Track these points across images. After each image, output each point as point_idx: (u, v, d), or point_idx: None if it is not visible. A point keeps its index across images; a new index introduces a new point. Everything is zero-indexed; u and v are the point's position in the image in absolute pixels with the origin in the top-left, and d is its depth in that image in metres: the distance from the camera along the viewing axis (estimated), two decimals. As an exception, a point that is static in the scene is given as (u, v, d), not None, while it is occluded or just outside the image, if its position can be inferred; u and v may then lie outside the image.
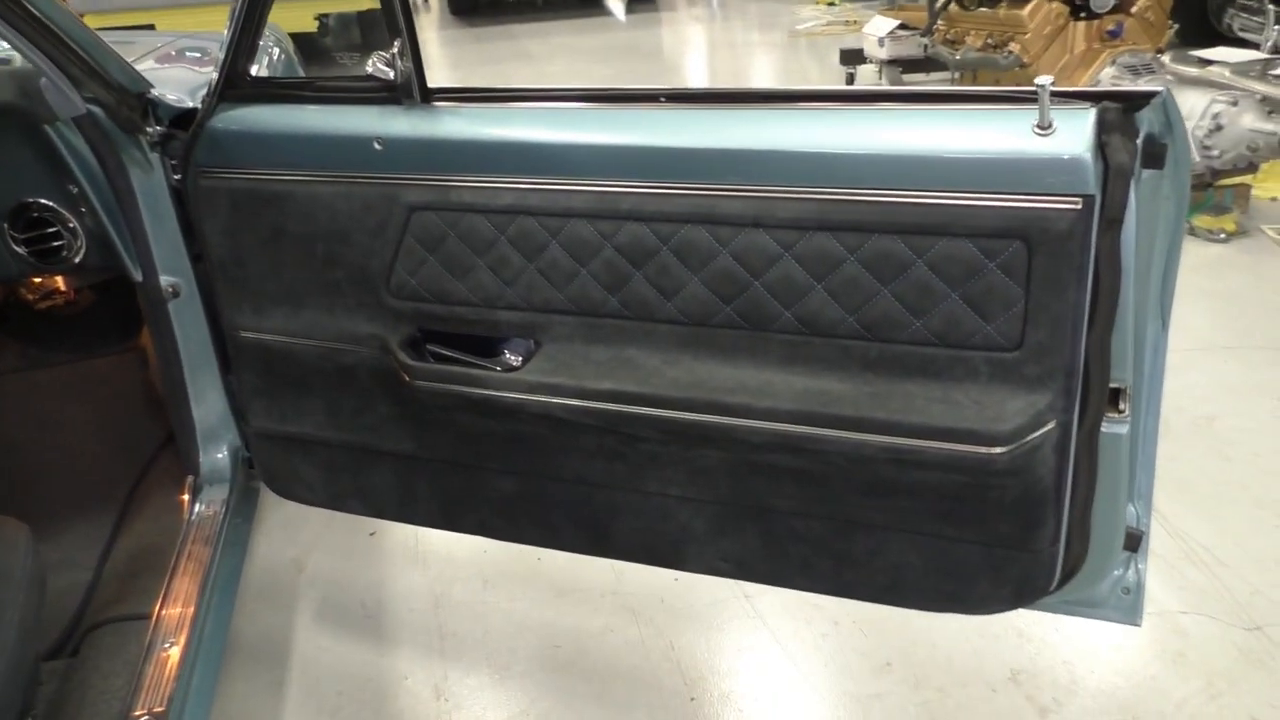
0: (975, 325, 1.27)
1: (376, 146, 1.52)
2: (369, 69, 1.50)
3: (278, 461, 1.90)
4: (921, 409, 1.30)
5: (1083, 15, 4.48)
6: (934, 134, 1.26)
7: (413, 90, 1.50)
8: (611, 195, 1.41)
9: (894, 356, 1.33)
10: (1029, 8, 4.43)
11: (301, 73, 3.17)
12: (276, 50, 3.01)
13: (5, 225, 1.80)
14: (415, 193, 1.52)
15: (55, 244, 1.82)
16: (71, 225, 1.82)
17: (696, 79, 7.84)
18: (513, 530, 1.74)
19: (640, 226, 1.40)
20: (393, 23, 1.44)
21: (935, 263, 1.27)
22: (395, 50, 1.47)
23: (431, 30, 10.48)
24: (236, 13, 1.53)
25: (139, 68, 1.74)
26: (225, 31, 1.56)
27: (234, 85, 1.62)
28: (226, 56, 1.58)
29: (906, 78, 5.94)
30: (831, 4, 10.01)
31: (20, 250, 1.82)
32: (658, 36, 9.52)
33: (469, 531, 1.78)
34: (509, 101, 1.50)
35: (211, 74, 1.63)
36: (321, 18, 8.33)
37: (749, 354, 1.41)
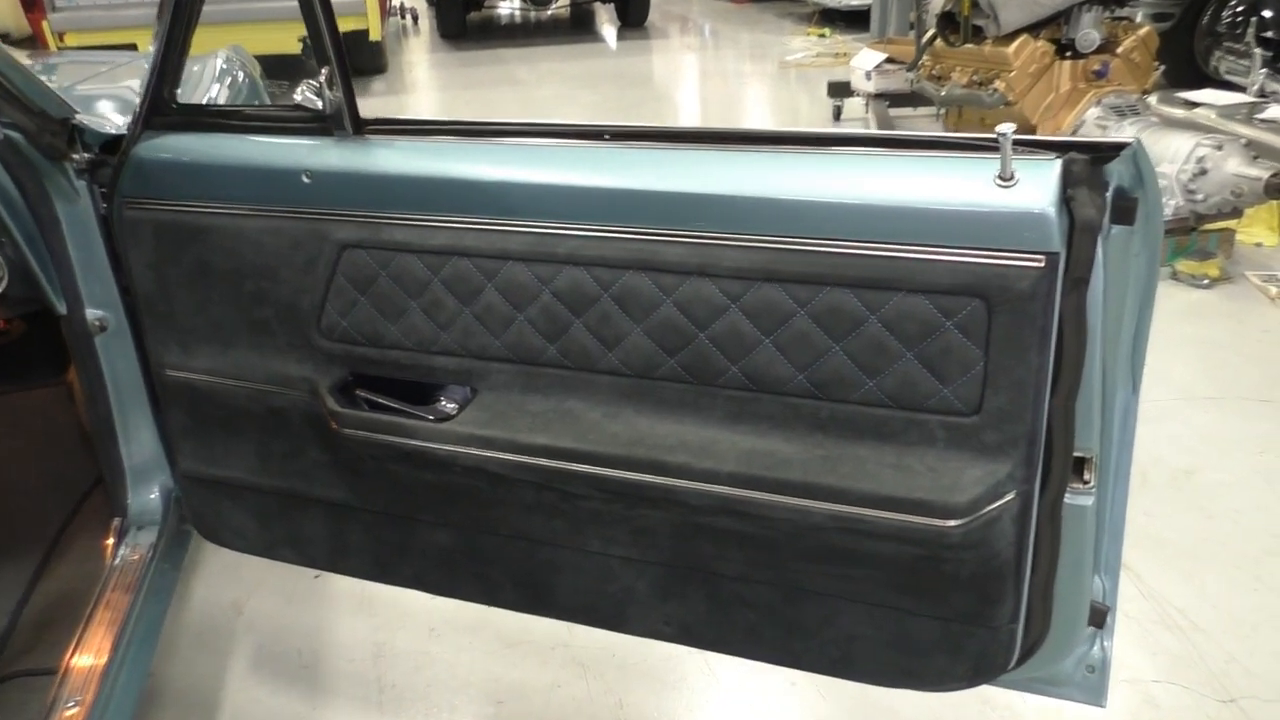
0: (932, 387, 1.19)
1: (305, 180, 1.44)
2: (297, 97, 1.42)
3: (207, 506, 1.80)
4: (873, 475, 1.21)
5: (1068, 55, 4.44)
6: (891, 182, 1.18)
7: (344, 121, 1.42)
8: (549, 238, 1.33)
9: (845, 417, 1.25)
10: (1014, 45, 4.38)
11: (267, 99, 3.09)
12: (241, 74, 2.93)
13: None
14: (346, 229, 1.44)
15: None
16: None
17: (684, 107, 7.81)
18: (449, 585, 1.64)
19: (580, 271, 1.32)
20: (320, 49, 1.36)
21: (890, 320, 1.18)
22: (323, 78, 1.38)
23: (421, 53, 10.45)
24: (160, 34, 1.45)
25: (106, 87, 1.65)
26: (149, 53, 1.48)
27: (159, 111, 1.53)
28: (150, 80, 1.50)
29: (893, 112, 5.90)
30: (822, 35, 10.01)
31: None
32: (648, 64, 9.49)
33: (403, 585, 1.68)
34: (445, 135, 1.42)
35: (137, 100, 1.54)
36: (305, 40, 8.29)
37: (693, 410, 1.33)
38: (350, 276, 1.45)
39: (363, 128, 1.43)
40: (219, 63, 2.89)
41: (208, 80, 2.73)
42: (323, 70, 1.38)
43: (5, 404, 2.20)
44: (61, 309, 1.70)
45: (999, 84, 4.45)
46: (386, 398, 1.49)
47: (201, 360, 1.64)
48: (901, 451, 1.22)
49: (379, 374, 1.51)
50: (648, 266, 1.28)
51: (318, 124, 1.44)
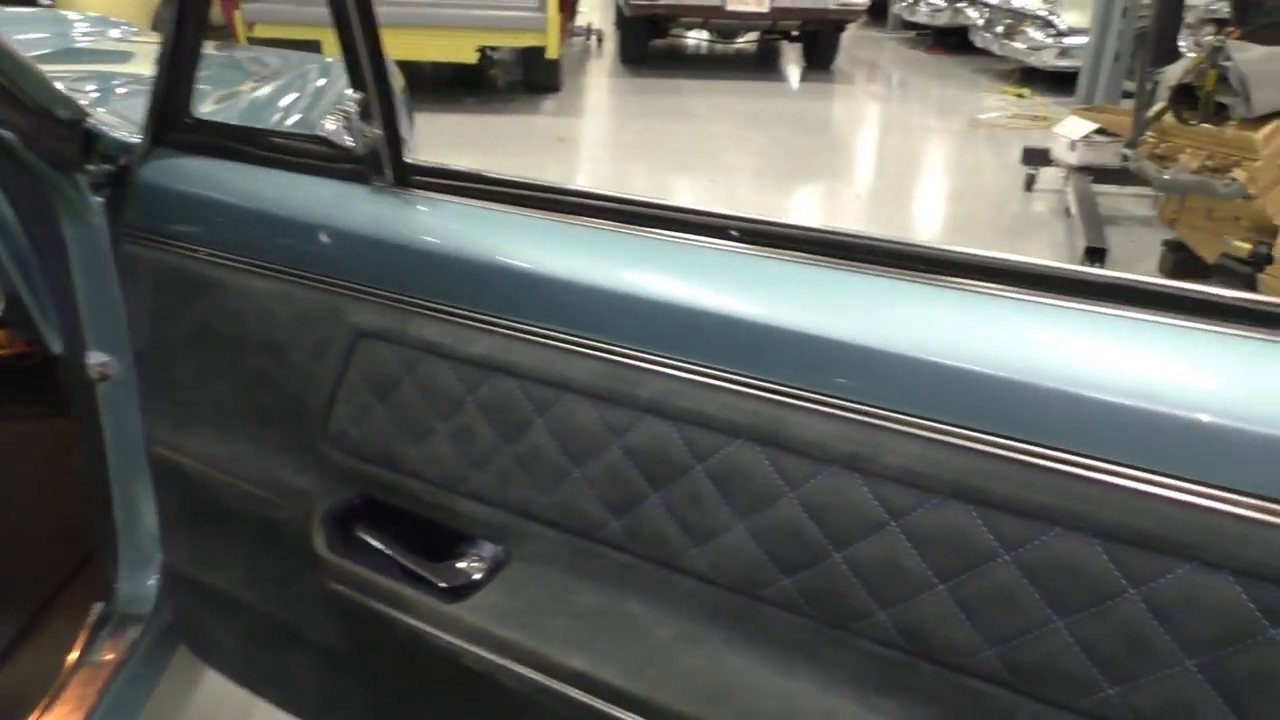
0: None
1: (323, 238, 1.06)
2: (324, 128, 1.04)
3: (193, 612, 1.45)
4: None
5: (1332, 147, 3.72)
6: (1182, 370, 0.70)
7: (382, 166, 1.03)
8: (630, 371, 0.90)
9: None
10: (1265, 131, 3.70)
11: (408, 121, 2.75)
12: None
13: None
14: (365, 312, 1.05)
15: None
16: None
17: (858, 159, 7.28)
18: None
19: (666, 427, 0.89)
20: (355, 68, 0.98)
21: (1163, 602, 0.70)
22: (355, 107, 1.00)
23: (599, 76, 10.27)
24: (169, 33, 1.10)
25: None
26: (157, 55, 1.14)
27: (170, 125, 1.19)
28: (159, 87, 1.16)
29: (1097, 188, 5.24)
30: (1020, 95, 9.29)
31: None
32: (828, 109, 9.00)
33: (404, 772, 1.28)
34: (515, 203, 1.01)
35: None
36: (486, 50, 8.18)
37: (810, 658, 0.87)
38: (366, 374, 1.07)
39: (407, 178, 1.04)
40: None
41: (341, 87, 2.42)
42: (355, 94, 0.99)
43: (13, 433, 1.92)
44: (56, 348, 1.38)
45: (1239, 173, 3.77)
46: (392, 544, 1.09)
47: (195, 442, 1.29)
48: None
49: (393, 503, 1.12)
50: (769, 440, 0.84)
51: (350, 166, 1.06)
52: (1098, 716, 0.74)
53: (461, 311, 0.99)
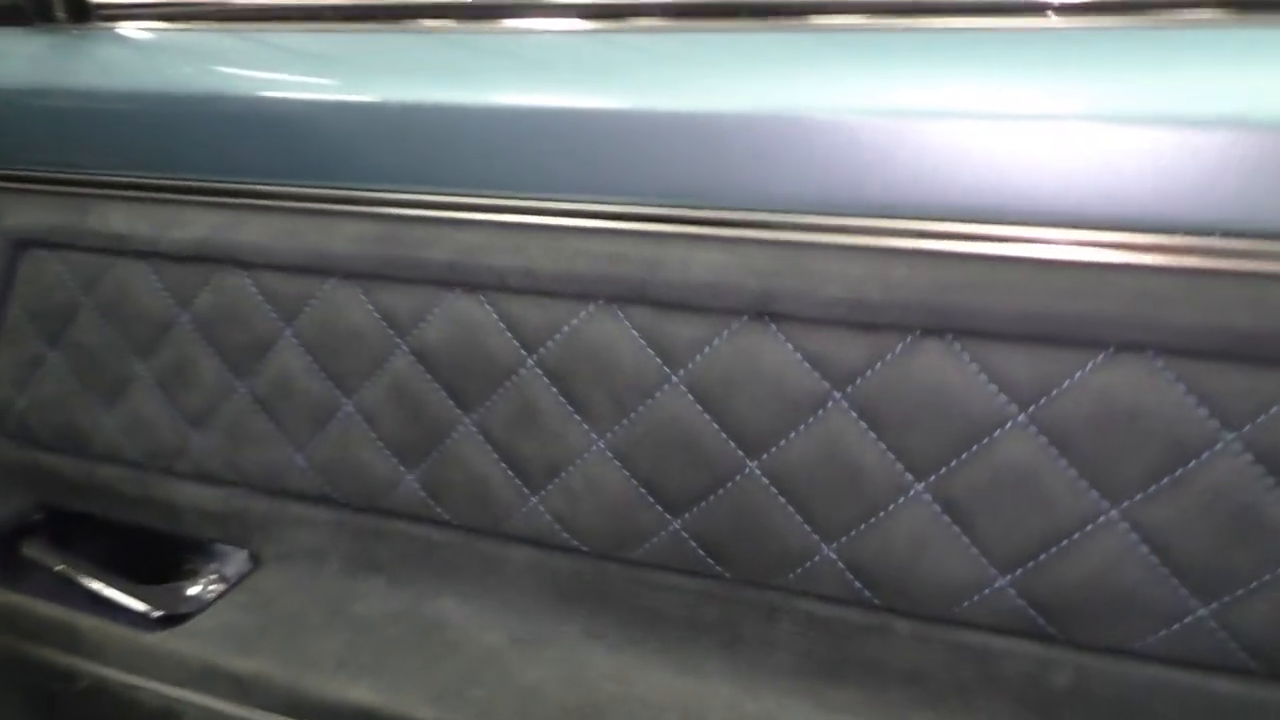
0: None
1: (-38, 107, 0.72)
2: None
3: None
4: None
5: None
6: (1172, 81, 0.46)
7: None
8: (416, 227, 0.59)
9: (1107, 694, 0.49)
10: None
11: None
12: None
13: None
14: (28, 210, 0.71)
15: None
16: None
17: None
18: None
19: (476, 305, 0.58)
20: None
21: (1276, 449, 0.44)
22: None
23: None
24: None
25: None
26: None
27: None
28: None
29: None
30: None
31: None
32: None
33: None
34: (245, 21, 0.70)
35: None
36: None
37: (721, 642, 0.57)
38: (32, 306, 0.72)
39: (87, 12, 0.72)
40: None
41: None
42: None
43: None
44: None
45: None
46: (81, 563, 0.73)
47: None
48: None
49: (82, 508, 0.76)
50: (636, 296, 0.54)
51: (5, 5, 0.73)
52: (1173, 658, 0.47)
53: (167, 183, 0.66)
